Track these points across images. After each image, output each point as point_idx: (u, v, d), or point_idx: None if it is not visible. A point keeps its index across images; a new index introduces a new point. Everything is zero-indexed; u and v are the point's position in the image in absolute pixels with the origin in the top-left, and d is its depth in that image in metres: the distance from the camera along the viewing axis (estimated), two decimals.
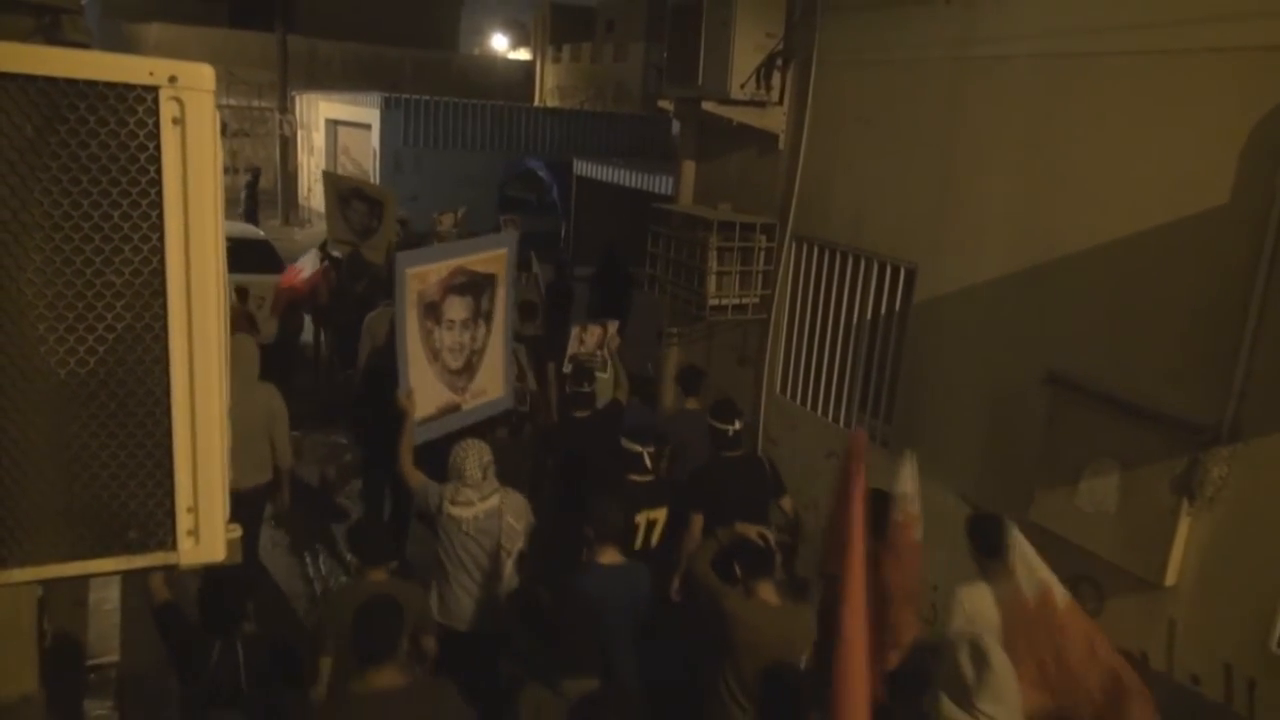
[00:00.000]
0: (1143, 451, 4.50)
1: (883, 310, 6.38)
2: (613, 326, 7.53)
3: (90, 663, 4.15)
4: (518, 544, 4.73)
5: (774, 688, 3.74)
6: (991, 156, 5.42)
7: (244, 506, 3.78)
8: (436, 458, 4.74)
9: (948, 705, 3.65)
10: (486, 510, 4.62)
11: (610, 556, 4.32)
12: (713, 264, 7.07)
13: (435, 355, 4.96)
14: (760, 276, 7.30)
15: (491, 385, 5.36)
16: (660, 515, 5.13)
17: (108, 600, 4.63)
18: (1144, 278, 4.57)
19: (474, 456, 4.59)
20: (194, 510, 1.39)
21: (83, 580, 4.43)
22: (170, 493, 1.37)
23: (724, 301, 7.22)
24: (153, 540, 1.38)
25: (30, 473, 1.29)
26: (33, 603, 3.84)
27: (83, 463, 1.32)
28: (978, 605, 3.99)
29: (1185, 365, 4.38)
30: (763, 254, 7.26)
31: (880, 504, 4.17)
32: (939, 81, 5.77)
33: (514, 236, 5.71)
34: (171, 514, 1.38)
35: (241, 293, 9.14)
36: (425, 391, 4.94)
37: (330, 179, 10.40)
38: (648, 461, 5.14)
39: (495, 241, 5.37)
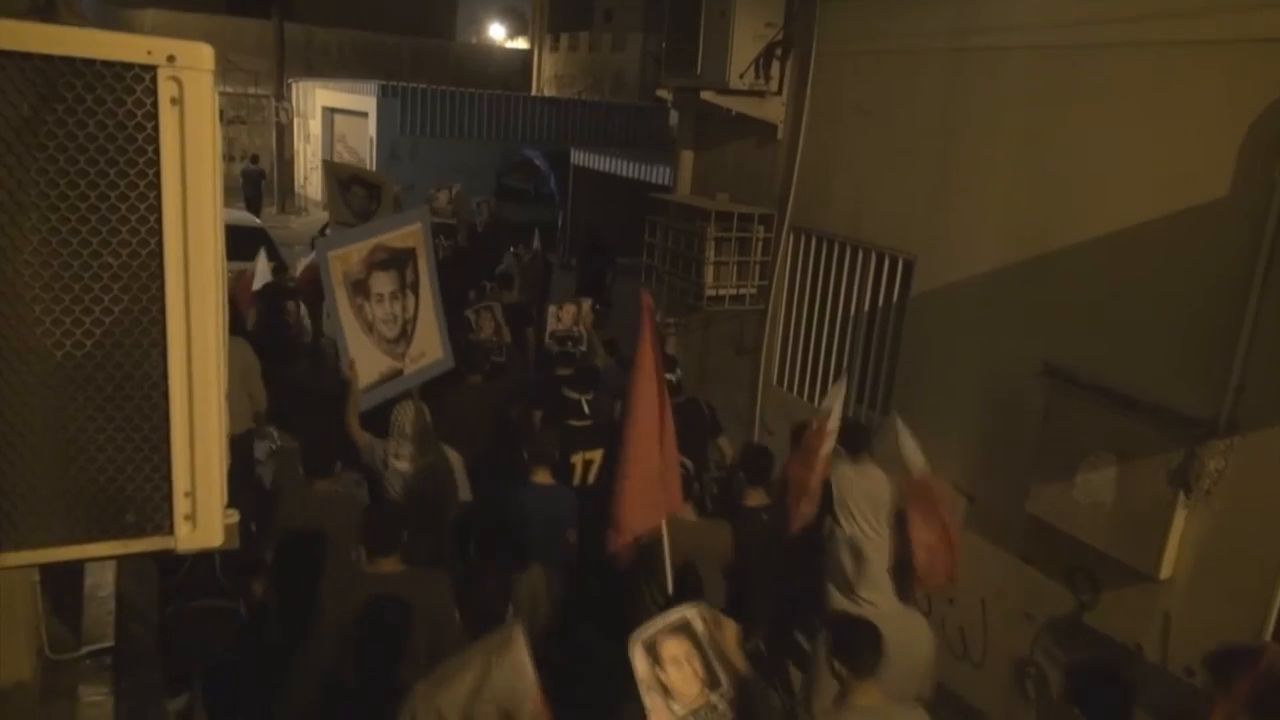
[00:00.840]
0: (1139, 444, 4.50)
1: (880, 302, 6.38)
2: (586, 304, 8.16)
3: (86, 649, 4.14)
4: (460, 495, 5.39)
5: (688, 593, 4.27)
6: (990, 148, 5.41)
7: (235, 451, 4.50)
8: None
9: (835, 595, 4.53)
10: (427, 465, 5.15)
11: (542, 477, 5.06)
12: (710, 254, 7.06)
13: (370, 327, 5.36)
14: (758, 267, 7.29)
15: (430, 348, 5.76)
16: (596, 456, 5.82)
17: (103, 586, 4.62)
18: (1142, 270, 4.57)
19: (412, 415, 5.15)
20: (191, 494, 1.38)
21: (79, 565, 4.43)
22: (167, 476, 1.36)
23: (721, 292, 7.22)
24: (150, 524, 1.37)
25: (27, 455, 1.28)
26: (30, 587, 3.84)
27: (79, 446, 1.31)
28: (841, 484, 4.81)
29: (1183, 358, 4.38)
30: (760, 244, 7.25)
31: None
32: (938, 72, 5.75)
33: (425, 212, 6.18)
34: (169, 498, 1.37)
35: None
36: (366, 361, 5.31)
37: (329, 167, 10.83)
38: (585, 408, 5.95)
39: (408, 218, 5.78)
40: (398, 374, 5.52)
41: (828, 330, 6.88)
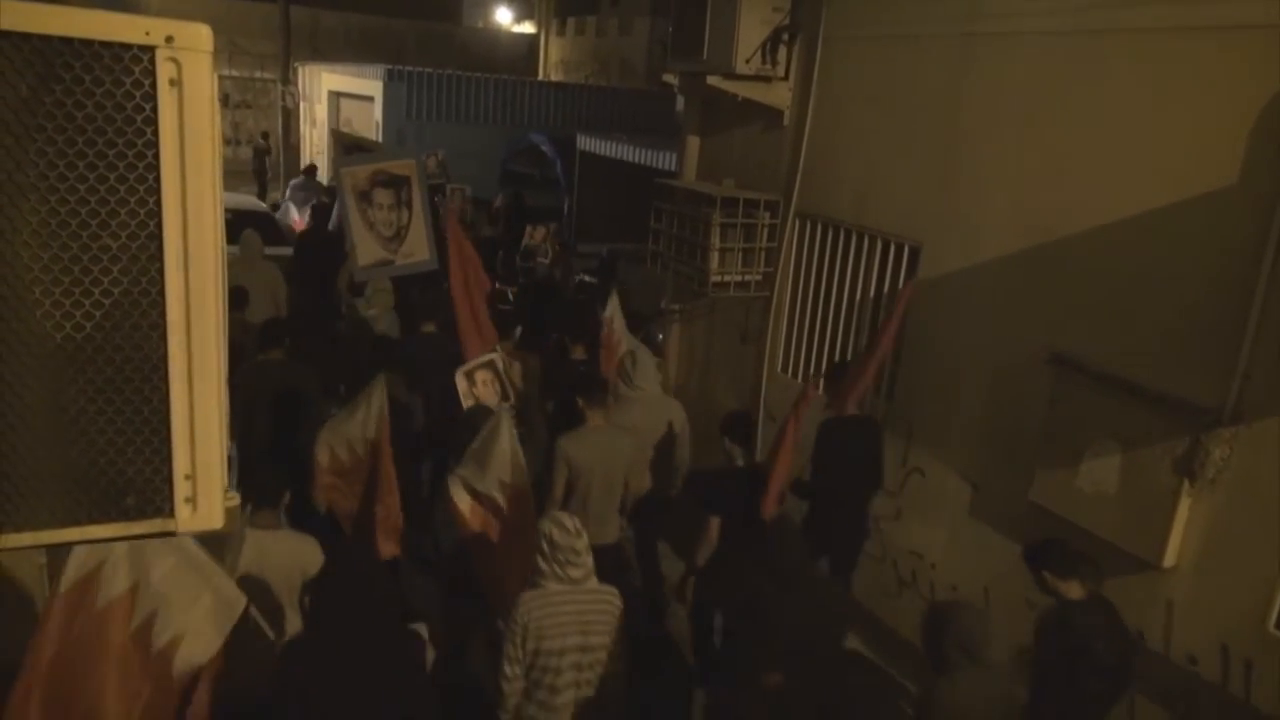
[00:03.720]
0: (1144, 432, 4.49)
1: (886, 289, 6.36)
2: (553, 226, 11.86)
3: None
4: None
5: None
6: (998, 135, 5.37)
7: (292, 351, 6.40)
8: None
9: (620, 386, 6.19)
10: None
11: (428, 329, 6.51)
12: (715, 240, 7.04)
13: (371, 225, 7.55)
14: (763, 254, 7.27)
15: (419, 250, 7.75)
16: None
17: None
18: (1149, 258, 4.55)
19: (387, 293, 8.26)
20: (192, 477, 1.38)
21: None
22: (168, 459, 1.36)
23: (726, 278, 7.20)
24: (150, 507, 1.37)
25: (27, 437, 1.28)
26: (36, 570, 3.87)
27: (80, 428, 1.31)
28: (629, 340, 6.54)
29: (1189, 346, 4.36)
30: (766, 231, 7.22)
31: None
32: (945, 58, 5.71)
33: (418, 156, 8.50)
34: (169, 481, 1.37)
35: None
36: (365, 248, 7.55)
37: (335, 134, 13.77)
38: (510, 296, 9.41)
39: (403, 153, 8.89)
40: (389, 263, 7.68)
41: (833, 317, 6.86)
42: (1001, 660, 3.89)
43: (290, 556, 4.17)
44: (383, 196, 7.49)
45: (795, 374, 7.24)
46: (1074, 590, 4.03)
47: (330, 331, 9.04)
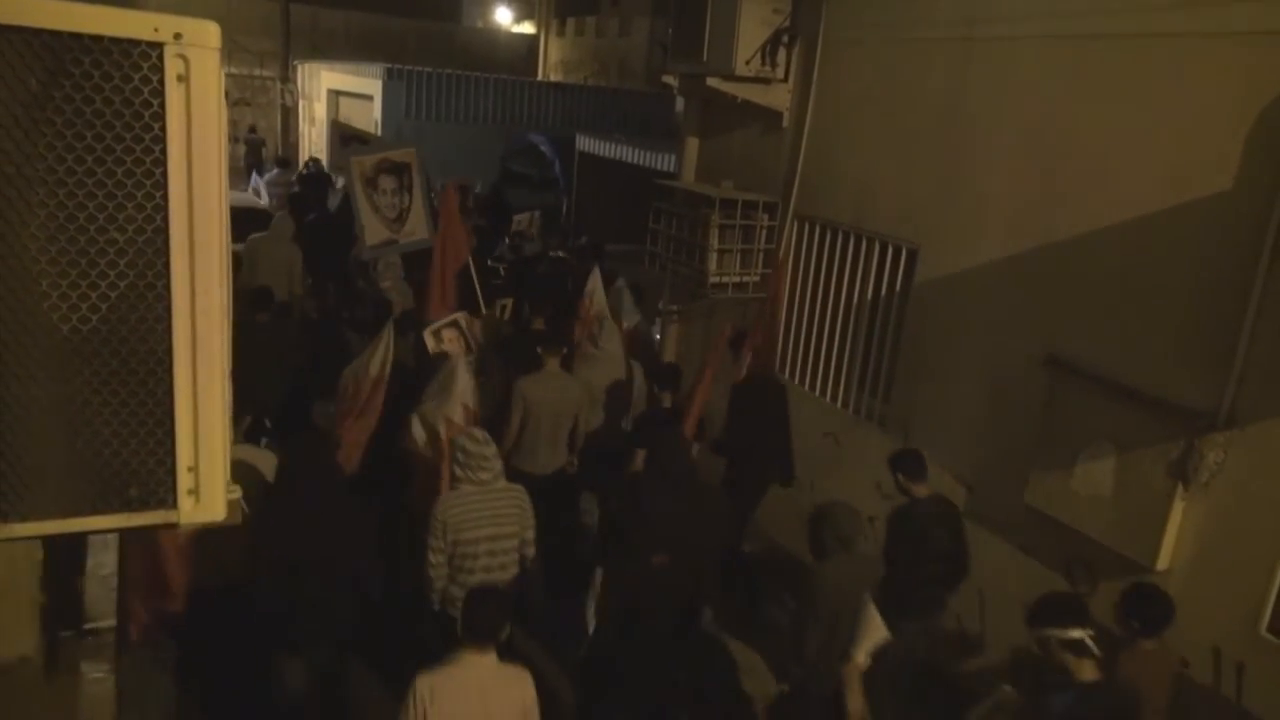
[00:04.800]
0: (1139, 435, 4.51)
1: (883, 290, 6.38)
2: (536, 214, 12.94)
3: (87, 626, 4.17)
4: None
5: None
6: (996, 138, 5.40)
7: (277, 315, 7.63)
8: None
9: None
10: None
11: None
12: (714, 241, 7.05)
13: (377, 209, 8.36)
14: (761, 255, 7.29)
15: (418, 229, 8.58)
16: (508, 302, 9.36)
17: (105, 564, 4.64)
18: (1146, 262, 4.57)
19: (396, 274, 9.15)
20: (195, 469, 1.39)
21: (81, 541, 4.45)
22: (171, 451, 1.38)
23: (725, 279, 7.22)
24: (153, 498, 1.39)
25: (32, 428, 1.30)
26: (33, 564, 3.86)
27: (84, 419, 1.32)
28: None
29: (1185, 350, 4.38)
30: (764, 232, 7.24)
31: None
32: (945, 62, 5.73)
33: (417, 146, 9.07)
34: (172, 472, 1.38)
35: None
36: (372, 229, 8.34)
37: (336, 126, 14.30)
38: (501, 273, 10.02)
39: (404, 144, 9.37)
40: (393, 242, 8.54)
41: (830, 319, 6.88)
42: (871, 553, 4.72)
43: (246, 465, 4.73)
44: (386, 182, 8.41)
45: (793, 376, 7.26)
46: (921, 491, 4.85)
47: (349, 302, 10.24)
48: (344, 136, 12.53)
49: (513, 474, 5.17)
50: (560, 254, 11.66)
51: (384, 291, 9.17)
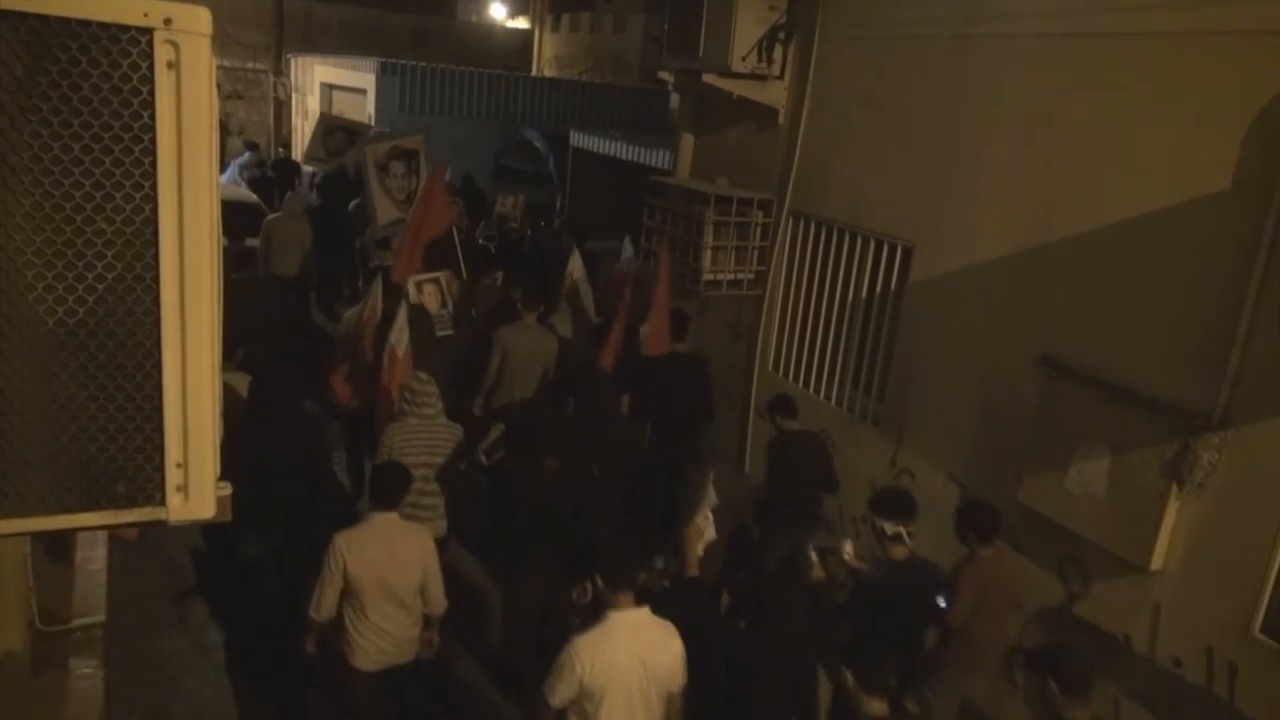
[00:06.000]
0: (1134, 436, 4.50)
1: (878, 289, 6.36)
2: (520, 196, 13.47)
3: (76, 622, 4.14)
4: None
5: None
6: (992, 136, 5.38)
7: (291, 290, 10.03)
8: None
9: None
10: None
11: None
12: (709, 238, 7.03)
13: (388, 191, 9.32)
14: (756, 252, 7.27)
15: None
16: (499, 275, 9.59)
17: (94, 560, 4.62)
18: (1141, 262, 4.56)
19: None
20: (184, 466, 1.37)
21: (69, 537, 4.41)
22: (160, 447, 1.35)
23: (719, 276, 7.20)
24: (141, 495, 1.36)
25: (16, 423, 1.27)
26: (20, 560, 3.82)
27: (70, 414, 1.29)
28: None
29: (1180, 351, 4.38)
30: (759, 230, 7.22)
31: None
32: (941, 59, 5.72)
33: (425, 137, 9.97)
34: (160, 469, 1.36)
35: None
36: (383, 209, 9.28)
37: (325, 117, 14.48)
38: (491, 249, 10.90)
39: (415, 132, 10.01)
40: (402, 221, 8.92)
41: (825, 317, 6.87)
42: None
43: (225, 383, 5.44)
44: (397, 167, 9.40)
45: (787, 373, 7.25)
46: (793, 425, 5.90)
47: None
48: (330, 127, 13.48)
49: (493, 412, 6.78)
50: (548, 234, 12.75)
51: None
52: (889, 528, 4.52)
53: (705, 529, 4.79)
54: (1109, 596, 4.75)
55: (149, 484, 1.36)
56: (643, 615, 3.59)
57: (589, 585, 4.43)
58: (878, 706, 3.55)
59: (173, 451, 1.36)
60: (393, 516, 4.28)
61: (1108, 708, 4.67)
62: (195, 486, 1.38)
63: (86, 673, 3.91)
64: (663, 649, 3.57)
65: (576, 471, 5.34)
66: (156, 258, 1.29)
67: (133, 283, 1.29)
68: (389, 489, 4.30)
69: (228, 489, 1.44)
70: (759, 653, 3.80)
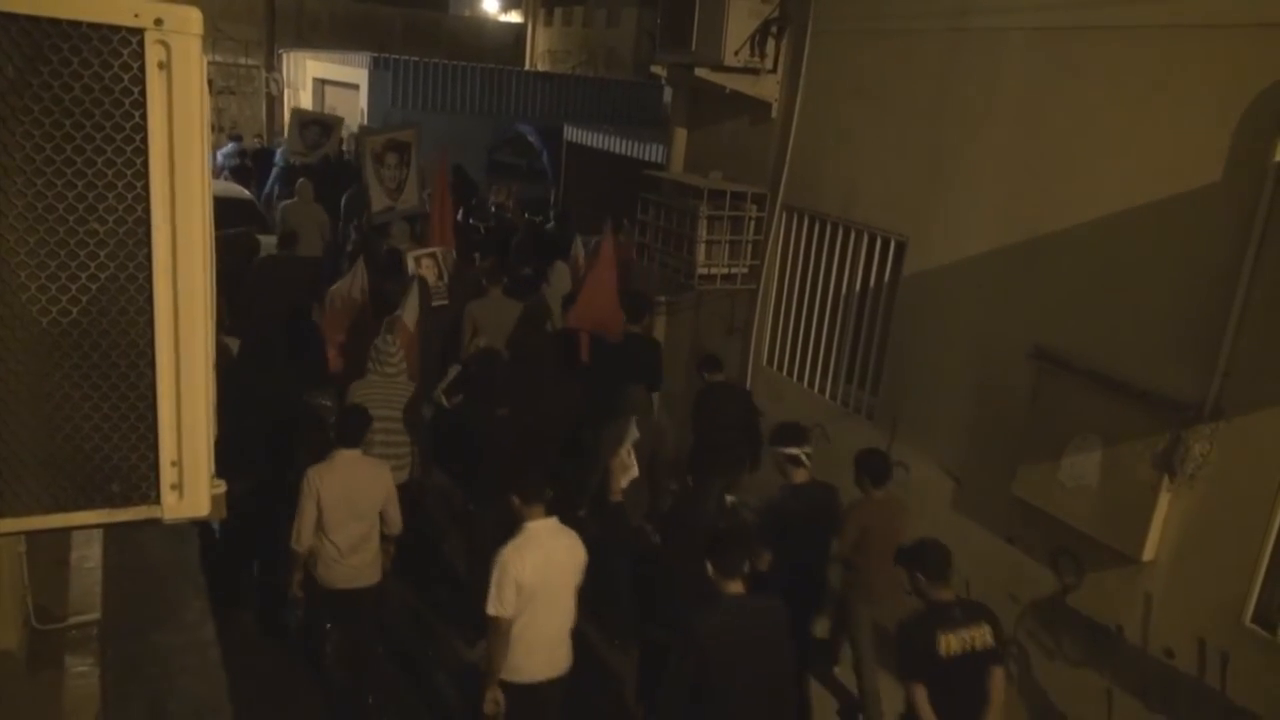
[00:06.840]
0: (1126, 427, 4.53)
1: (872, 282, 6.38)
2: (514, 185, 14.61)
3: (72, 620, 4.13)
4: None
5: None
6: (985, 130, 5.39)
7: (306, 268, 9.49)
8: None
9: None
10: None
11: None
12: (702, 232, 7.04)
13: (381, 181, 10.28)
14: (750, 246, 7.27)
15: (411, 198, 10.60)
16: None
17: (89, 558, 4.61)
18: (1133, 254, 4.58)
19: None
20: (178, 464, 1.37)
21: (65, 535, 4.41)
22: (154, 446, 1.35)
23: (713, 270, 7.20)
24: (136, 493, 1.36)
25: (10, 423, 1.27)
26: (15, 558, 3.82)
27: (64, 413, 1.30)
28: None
29: (1171, 342, 4.40)
30: (753, 223, 7.23)
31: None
32: (934, 53, 5.72)
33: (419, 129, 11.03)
34: (155, 467, 1.36)
35: None
36: (376, 197, 10.22)
37: (297, 112, 15.66)
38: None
39: (408, 125, 11.18)
40: (392, 209, 10.29)
41: (819, 310, 6.88)
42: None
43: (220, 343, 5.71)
44: (390, 158, 10.35)
45: (781, 367, 7.26)
46: (717, 377, 6.53)
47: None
48: (303, 121, 14.22)
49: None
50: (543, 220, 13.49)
51: (394, 241, 10.55)
52: (789, 451, 5.07)
53: (629, 464, 5.53)
54: (1102, 587, 4.77)
55: (144, 482, 1.36)
56: (553, 523, 4.29)
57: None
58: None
59: (167, 450, 1.36)
60: (356, 453, 4.97)
61: (1100, 698, 4.70)
62: (190, 484, 1.39)
63: (83, 671, 3.91)
64: (573, 548, 4.31)
65: (519, 420, 5.85)
66: (149, 257, 1.30)
67: (126, 282, 1.30)
68: (351, 429, 5.03)
69: (222, 487, 1.45)
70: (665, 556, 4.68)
